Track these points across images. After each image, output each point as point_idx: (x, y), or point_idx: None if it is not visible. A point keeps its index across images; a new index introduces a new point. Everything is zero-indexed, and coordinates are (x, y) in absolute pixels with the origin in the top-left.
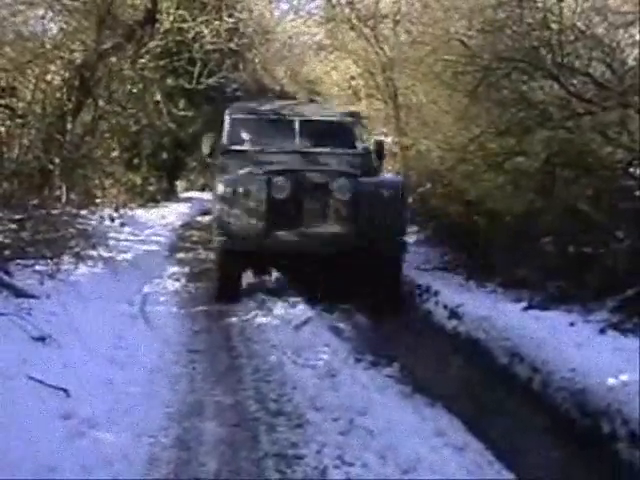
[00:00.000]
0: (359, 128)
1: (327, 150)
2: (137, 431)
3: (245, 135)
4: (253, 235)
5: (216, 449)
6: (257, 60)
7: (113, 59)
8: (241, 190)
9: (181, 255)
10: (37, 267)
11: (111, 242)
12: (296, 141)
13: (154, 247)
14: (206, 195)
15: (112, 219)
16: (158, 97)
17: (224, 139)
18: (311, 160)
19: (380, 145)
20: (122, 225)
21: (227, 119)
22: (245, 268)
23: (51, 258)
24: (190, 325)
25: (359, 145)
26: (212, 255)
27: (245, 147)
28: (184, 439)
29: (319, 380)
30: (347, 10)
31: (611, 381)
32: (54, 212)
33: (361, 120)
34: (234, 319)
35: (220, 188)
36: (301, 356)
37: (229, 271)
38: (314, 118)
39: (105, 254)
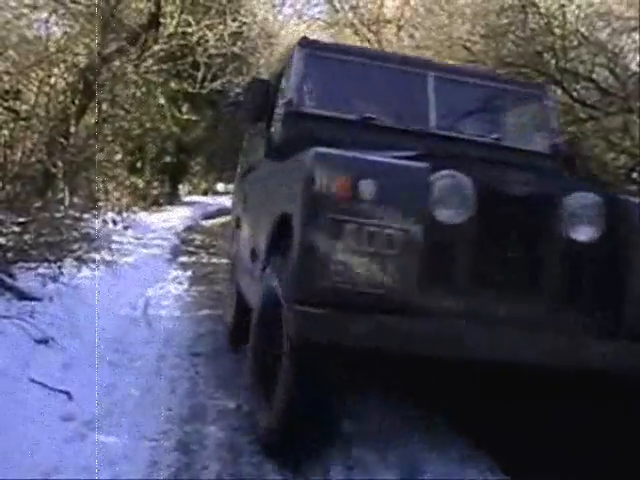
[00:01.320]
0: (549, 110)
1: (490, 140)
2: (138, 434)
3: (331, 91)
4: (393, 301)
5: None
6: (261, 64)
7: (117, 63)
8: (372, 188)
9: (184, 259)
10: (40, 270)
11: (114, 245)
12: (430, 114)
13: (157, 251)
14: (209, 199)
15: (115, 222)
16: (162, 101)
17: (290, 93)
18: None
19: (573, 149)
20: (125, 228)
21: (297, 59)
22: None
23: (54, 261)
24: (194, 328)
25: (547, 140)
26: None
27: (331, 112)
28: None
29: None
30: (350, 15)
31: None
32: (57, 215)
33: (552, 97)
34: None
35: (307, 176)
36: None
37: (311, 394)
38: (465, 79)
39: (108, 257)
